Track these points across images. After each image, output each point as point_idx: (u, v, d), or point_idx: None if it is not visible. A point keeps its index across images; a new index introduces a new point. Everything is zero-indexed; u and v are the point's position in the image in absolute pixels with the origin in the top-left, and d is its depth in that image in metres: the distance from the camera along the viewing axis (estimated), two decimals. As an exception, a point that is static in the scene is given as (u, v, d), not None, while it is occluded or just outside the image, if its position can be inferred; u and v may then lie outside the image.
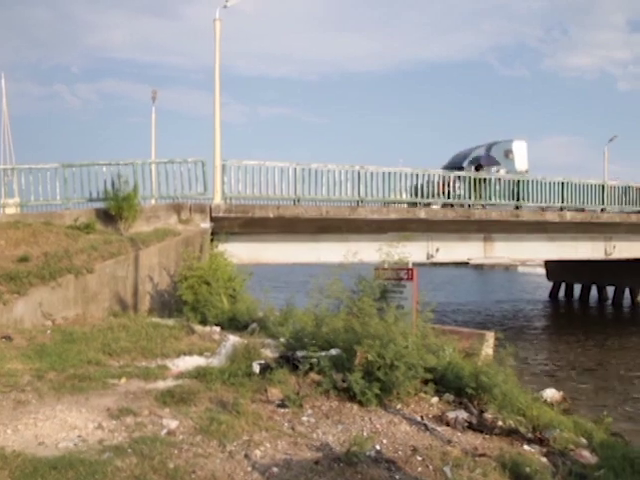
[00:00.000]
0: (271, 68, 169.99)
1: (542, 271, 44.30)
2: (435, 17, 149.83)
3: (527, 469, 6.10)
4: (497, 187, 25.14)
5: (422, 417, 7.48)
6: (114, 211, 16.53)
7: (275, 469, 5.58)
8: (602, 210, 27.99)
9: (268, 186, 20.65)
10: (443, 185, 24.73)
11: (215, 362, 8.88)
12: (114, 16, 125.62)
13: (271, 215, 20.18)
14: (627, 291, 37.25)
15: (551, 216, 26.42)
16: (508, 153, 31.56)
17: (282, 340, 9.59)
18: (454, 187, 24.71)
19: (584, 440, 7.66)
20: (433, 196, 23.72)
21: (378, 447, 6.38)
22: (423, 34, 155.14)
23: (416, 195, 23.26)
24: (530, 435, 7.36)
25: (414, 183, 23.36)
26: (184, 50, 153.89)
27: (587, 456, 7.06)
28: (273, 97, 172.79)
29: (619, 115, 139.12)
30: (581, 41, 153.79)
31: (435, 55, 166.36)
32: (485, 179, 24.88)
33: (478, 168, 29.10)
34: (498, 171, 28.03)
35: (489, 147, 31.26)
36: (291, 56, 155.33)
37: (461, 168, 27.42)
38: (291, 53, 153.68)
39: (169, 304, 14.64)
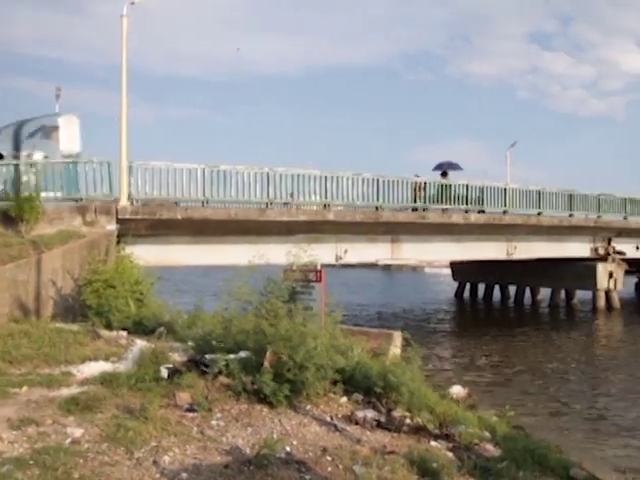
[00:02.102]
0: (181, 68, 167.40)
1: (448, 272, 45.36)
2: (348, 22, 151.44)
3: (434, 465, 6.24)
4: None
5: (332, 417, 7.54)
6: (14, 212, 15.87)
7: (184, 474, 5.51)
8: (504, 212, 28.96)
9: (176, 188, 20.43)
10: (418, 189, 26.05)
11: (122, 367, 8.68)
12: (16, 10, 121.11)
13: (179, 217, 19.94)
14: (528, 290, 38.68)
15: (456, 218, 27.15)
16: (51, 132, 22.95)
17: (190, 344, 9.45)
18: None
19: (488, 434, 7.90)
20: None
21: (288, 448, 6.39)
22: (335, 39, 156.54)
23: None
24: (437, 431, 7.53)
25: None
26: (91, 47, 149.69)
27: (491, 449, 7.29)
28: (182, 97, 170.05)
29: (519, 122, 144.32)
30: (483, 50, 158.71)
31: (346, 59, 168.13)
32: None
33: (444, 174, 30.22)
34: (29, 156, 20.30)
35: (19, 125, 22.10)
36: (201, 56, 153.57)
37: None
38: (201, 53, 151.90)
39: (73, 309, 14.20)
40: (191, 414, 7.07)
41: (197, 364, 8.29)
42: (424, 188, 26.75)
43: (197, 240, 21.45)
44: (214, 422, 6.96)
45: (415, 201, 26.34)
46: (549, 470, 7.05)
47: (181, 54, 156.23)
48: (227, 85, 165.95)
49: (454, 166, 31.88)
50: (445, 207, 26.88)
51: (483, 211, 28.03)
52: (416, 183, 26.59)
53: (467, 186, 27.83)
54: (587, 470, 7.34)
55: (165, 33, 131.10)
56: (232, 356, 8.12)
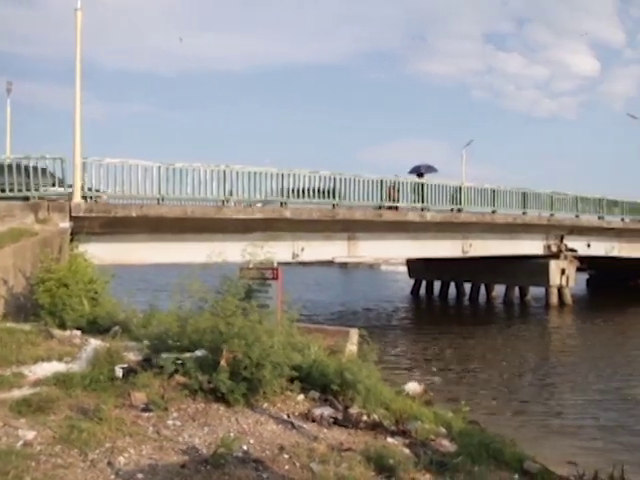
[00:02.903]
0: (136, 63, 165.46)
1: (404, 269, 45.70)
2: (304, 20, 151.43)
3: (391, 461, 6.27)
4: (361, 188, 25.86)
5: (289, 415, 7.53)
6: (-37, 210, 15.56)
7: (140, 475, 5.44)
8: (459, 210, 29.30)
9: (131, 185, 20.20)
10: (392, 190, 26.84)
11: (75, 367, 8.54)
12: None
13: (134, 214, 19.72)
14: (482, 287, 39.22)
15: (412, 216, 27.39)
16: None
17: (146, 342, 9.35)
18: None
19: (444, 430, 7.98)
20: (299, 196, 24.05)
21: (245, 447, 6.35)
22: (292, 36, 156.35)
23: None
24: (393, 428, 7.58)
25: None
26: (45, 41, 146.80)
27: (446, 445, 7.36)
28: (137, 93, 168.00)
29: (475, 121, 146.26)
30: (439, 50, 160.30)
31: (303, 57, 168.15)
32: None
33: (420, 175, 31.43)
34: None
35: None
36: (156, 51, 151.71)
37: None
38: (156, 48, 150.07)
39: (25, 308, 13.90)
40: (147, 414, 6.99)
41: (153, 363, 8.20)
42: (398, 189, 27.51)
43: (153, 238, 21.24)
44: (170, 422, 6.89)
45: (393, 200, 27.09)
46: (504, 464, 7.16)
47: (136, 49, 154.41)
48: (184, 81, 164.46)
49: (430, 169, 33.12)
50: (421, 206, 27.82)
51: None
52: (391, 182, 27.31)
53: (423, 185, 28.17)
54: (540, 463, 7.47)
55: (120, 28, 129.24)
56: (188, 355, 8.05)
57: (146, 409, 7.07)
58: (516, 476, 6.90)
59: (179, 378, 7.83)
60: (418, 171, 32.24)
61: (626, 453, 10.27)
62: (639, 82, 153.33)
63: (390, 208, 26.97)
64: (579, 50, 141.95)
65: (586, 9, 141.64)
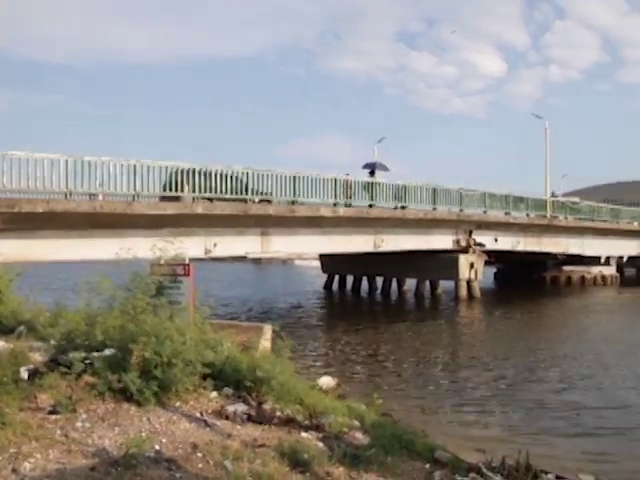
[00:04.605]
0: (47, 54, 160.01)
1: (318, 264, 45.92)
2: (223, 14, 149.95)
3: (305, 455, 6.29)
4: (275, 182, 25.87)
5: (202, 413, 7.45)
6: None
7: (47, 481, 5.27)
8: (370, 206, 29.69)
9: (37, 179, 19.51)
10: (347, 188, 28.39)
11: (-23, 370, 8.20)
12: None
13: (40, 210, 19.09)
14: (394, 281, 39.89)
15: (325, 211, 27.56)
16: None
17: (53, 342, 9.06)
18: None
19: (357, 423, 8.08)
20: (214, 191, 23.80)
21: (157, 447, 6.25)
22: (208, 29, 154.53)
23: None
24: (307, 422, 7.61)
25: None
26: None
27: (360, 437, 7.46)
28: (48, 84, 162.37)
29: (388, 118, 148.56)
30: (353, 47, 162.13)
31: (221, 50, 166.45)
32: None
33: (372, 173, 33.61)
34: None
35: None
36: (70, 42, 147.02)
37: None
38: (69, 39, 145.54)
39: None
40: (54, 416, 6.76)
41: (60, 364, 7.94)
42: (350, 186, 28.99)
43: (61, 234, 20.60)
44: (79, 424, 6.69)
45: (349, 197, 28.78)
46: (416, 454, 7.32)
47: (48, 39, 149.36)
48: (99, 73, 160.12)
49: (382, 166, 35.83)
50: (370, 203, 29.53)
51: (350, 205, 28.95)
52: (345, 181, 28.87)
53: (335, 180, 28.46)
54: (450, 452, 7.66)
55: (31, 16, 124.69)
56: (97, 354, 7.85)
57: (53, 411, 6.85)
58: (427, 465, 7.06)
59: (88, 378, 7.62)
60: (371, 168, 34.76)
61: (531, 440, 10.62)
62: (544, 83, 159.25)
63: (346, 205, 28.36)
64: (487, 51, 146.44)
65: (492, 12, 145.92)
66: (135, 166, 21.46)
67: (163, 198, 22.81)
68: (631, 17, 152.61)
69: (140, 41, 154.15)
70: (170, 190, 22.72)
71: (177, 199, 22.94)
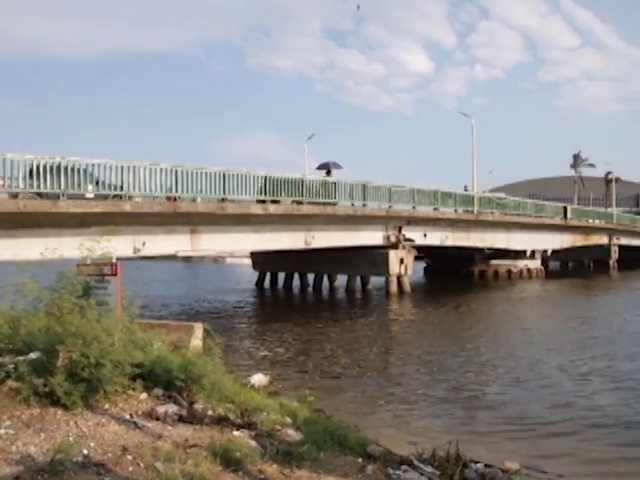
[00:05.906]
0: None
1: (249, 262, 45.73)
2: (146, 8, 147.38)
3: (237, 454, 6.27)
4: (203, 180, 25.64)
5: (131, 415, 7.33)
6: None
7: (-34, 492, 5.08)
8: (301, 203, 29.71)
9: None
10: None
11: None
12: None
13: (-42, 210, 18.42)
14: (326, 277, 40.07)
15: (255, 209, 27.46)
16: None
17: (-27, 347, 8.75)
18: None
19: (289, 420, 8.09)
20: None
21: (86, 451, 6.12)
22: (133, 24, 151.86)
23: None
24: (239, 421, 7.58)
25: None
26: None
27: (292, 434, 7.46)
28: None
29: (318, 115, 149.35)
30: (282, 44, 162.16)
31: (145, 45, 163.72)
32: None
33: (328, 173, 34.77)
34: None
35: None
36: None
37: None
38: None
39: None
40: (-25, 424, 6.54)
41: (-19, 369, 7.67)
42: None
43: (-19, 235, 19.93)
44: (2, 431, 6.48)
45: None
46: (348, 449, 7.38)
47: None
48: (20, 68, 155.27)
49: (336, 165, 37.40)
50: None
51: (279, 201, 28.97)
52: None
53: (265, 177, 28.35)
54: (383, 446, 7.75)
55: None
56: (21, 358, 7.61)
57: (-26, 419, 6.61)
58: (360, 460, 7.12)
59: (11, 383, 7.39)
60: (326, 168, 36.28)
61: (461, 430, 10.82)
62: (469, 82, 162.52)
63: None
64: (414, 50, 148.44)
65: (419, 11, 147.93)
66: (60, 163, 20.91)
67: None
68: (550, 18, 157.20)
69: (65, 35, 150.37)
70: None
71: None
